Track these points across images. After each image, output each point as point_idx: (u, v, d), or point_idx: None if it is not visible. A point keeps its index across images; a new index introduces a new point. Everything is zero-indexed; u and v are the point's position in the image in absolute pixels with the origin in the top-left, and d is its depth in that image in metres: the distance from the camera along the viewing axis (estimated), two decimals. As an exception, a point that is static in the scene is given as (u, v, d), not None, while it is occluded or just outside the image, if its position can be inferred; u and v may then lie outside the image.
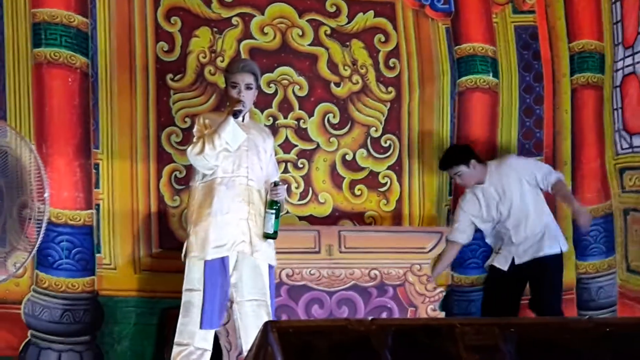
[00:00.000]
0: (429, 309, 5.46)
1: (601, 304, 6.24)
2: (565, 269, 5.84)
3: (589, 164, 6.28)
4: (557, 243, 5.66)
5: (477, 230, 5.86)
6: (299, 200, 5.80)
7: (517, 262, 5.63)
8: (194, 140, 4.61)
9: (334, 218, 5.84)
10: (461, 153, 5.76)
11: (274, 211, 4.67)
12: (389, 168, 5.99)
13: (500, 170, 5.70)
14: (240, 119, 4.66)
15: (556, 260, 5.66)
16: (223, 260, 4.59)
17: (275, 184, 4.69)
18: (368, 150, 5.97)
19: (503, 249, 5.71)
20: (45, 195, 4.77)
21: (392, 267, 5.46)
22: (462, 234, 5.74)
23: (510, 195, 5.65)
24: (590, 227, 6.01)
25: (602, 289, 6.24)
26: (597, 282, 6.25)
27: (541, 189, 5.71)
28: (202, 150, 4.53)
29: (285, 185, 4.77)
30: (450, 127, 6.09)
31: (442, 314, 5.53)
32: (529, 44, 6.25)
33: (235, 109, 4.60)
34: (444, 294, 5.59)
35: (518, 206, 5.64)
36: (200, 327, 4.53)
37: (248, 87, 4.72)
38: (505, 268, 5.65)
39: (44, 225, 4.78)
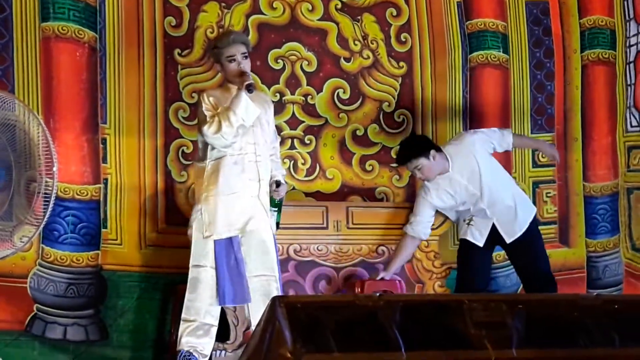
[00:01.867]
0: (436, 285, 5.46)
1: (607, 282, 6.23)
2: (576, 247, 5.82)
3: (600, 140, 6.25)
4: (529, 205, 5.46)
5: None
6: (306, 176, 5.77)
7: (508, 240, 5.34)
8: (208, 119, 4.57)
9: (343, 194, 5.81)
10: (419, 144, 5.39)
11: (276, 208, 4.75)
12: (402, 143, 5.95)
13: (460, 152, 5.34)
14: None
15: (534, 224, 5.42)
16: (232, 239, 4.59)
17: (278, 184, 4.71)
18: (380, 125, 5.93)
19: (476, 222, 5.38)
20: (54, 169, 4.74)
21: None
22: (425, 229, 5.38)
23: (478, 174, 5.30)
24: (599, 205, 5.97)
25: (607, 267, 6.24)
26: (604, 261, 6.24)
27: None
28: (219, 129, 4.51)
29: (285, 185, 4.85)
30: (463, 102, 6.06)
31: (449, 291, 5.52)
32: (539, 19, 6.21)
33: (247, 83, 4.56)
34: (451, 270, 5.57)
35: (489, 182, 5.31)
36: (220, 303, 4.57)
37: (244, 57, 4.69)
38: (481, 244, 5.35)
39: (52, 199, 4.75)
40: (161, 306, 5.40)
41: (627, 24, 6.27)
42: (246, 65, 4.69)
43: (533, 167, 6.19)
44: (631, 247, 6.28)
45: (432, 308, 3.16)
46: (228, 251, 4.58)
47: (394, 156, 5.68)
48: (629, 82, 6.27)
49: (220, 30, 5.62)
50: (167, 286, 5.36)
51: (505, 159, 6.04)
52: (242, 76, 4.61)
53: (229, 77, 4.72)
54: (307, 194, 5.74)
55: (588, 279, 6.20)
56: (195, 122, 5.28)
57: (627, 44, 6.28)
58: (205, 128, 4.55)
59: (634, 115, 6.22)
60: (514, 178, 6.03)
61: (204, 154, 4.71)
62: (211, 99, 4.67)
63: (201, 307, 4.56)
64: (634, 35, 6.24)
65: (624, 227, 6.29)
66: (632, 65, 6.25)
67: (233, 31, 5.21)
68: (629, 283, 6.22)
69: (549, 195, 6.19)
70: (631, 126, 6.25)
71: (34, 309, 5.20)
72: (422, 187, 5.44)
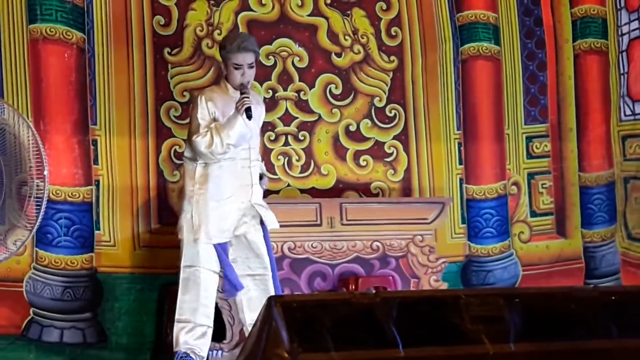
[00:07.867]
0: (432, 280, 5.44)
1: (604, 272, 6.23)
2: (572, 238, 5.80)
3: (594, 130, 6.26)
4: None
5: (490, 199, 5.80)
6: (300, 172, 5.75)
7: None
8: (201, 130, 4.50)
9: (338, 190, 5.80)
10: None
11: None
12: (394, 138, 5.94)
13: None
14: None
15: None
16: (226, 242, 4.60)
17: (260, 177, 4.68)
18: (372, 120, 5.92)
19: None
20: (45, 172, 4.74)
21: (394, 239, 5.44)
22: None
23: None
24: (595, 195, 5.98)
25: (604, 257, 6.24)
26: (601, 251, 6.23)
27: None
28: (210, 145, 4.46)
29: (266, 177, 4.82)
30: (455, 95, 6.05)
31: (445, 285, 5.51)
32: (530, 10, 6.20)
33: (246, 104, 4.45)
34: (446, 264, 5.56)
35: None
36: (235, 294, 4.62)
37: (250, 67, 4.60)
38: None
39: (44, 202, 4.76)
40: (158, 307, 5.39)
41: (619, 12, 6.26)
42: (251, 74, 4.61)
43: (527, 158, 6.17)
44: (627, 236, 6.27)
45: (429, 304, 3.14)
46: (224, 252, 4.57)
47: None
48: (621, 71, 6.26)
49: (210, 28, 5.60)
50: (162, 287, 5.35)
51: (499, 150, 6.05)
52: (242, 90, 4.52)
53: (230, 81, 4.63)
54: (302, 191, 5.73)
55: (586, 270, 6.19)
56: (188, 120, 5.23)
57: (619, 33, 6.27)
58: (198, 140, 4.48)
59: (627, 104, 6.21)
60: (509, 170, 6.04)
61: (195, 154, 4.63)
62: (209, 104, 4.56)
63: (196, 308, 4.53)
64: (625, 24, 6.23)
65: (620, 217, 6.29)
66: (624, 54, 6.24)
67: (245, 37, 4.79)
68: (627, 272, 6.22)
69: (544, 186, 6.18)
70: (625, 115, 6.24)
71: (30, 312, 5.19)
72: None
